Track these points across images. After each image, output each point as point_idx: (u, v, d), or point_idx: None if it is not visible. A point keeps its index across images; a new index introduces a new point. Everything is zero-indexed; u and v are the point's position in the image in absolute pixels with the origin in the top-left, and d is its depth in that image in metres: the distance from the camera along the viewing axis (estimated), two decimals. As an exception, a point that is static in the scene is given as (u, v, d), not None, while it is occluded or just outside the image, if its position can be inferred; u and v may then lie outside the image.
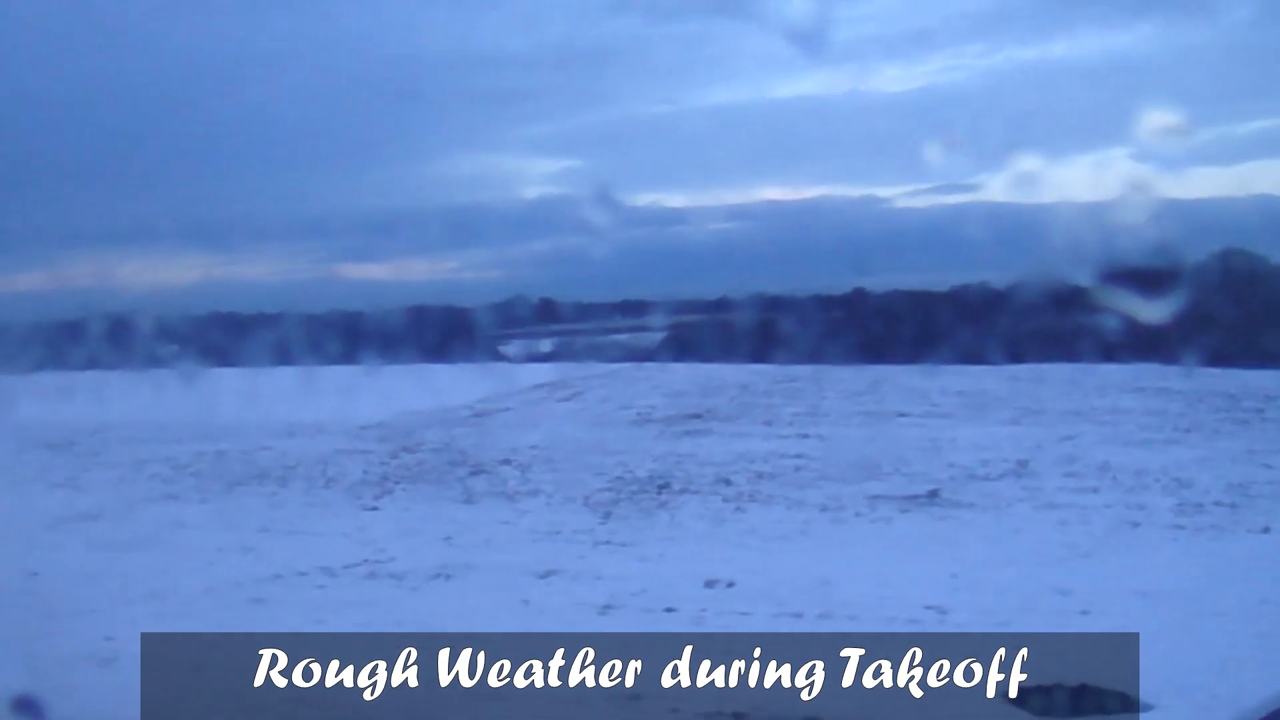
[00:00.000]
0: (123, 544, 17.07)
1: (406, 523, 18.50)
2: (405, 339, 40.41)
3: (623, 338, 70.87)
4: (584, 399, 37.83)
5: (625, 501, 20.12)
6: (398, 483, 22.18)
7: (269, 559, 16.16)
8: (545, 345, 76.41)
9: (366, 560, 15.96)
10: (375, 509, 19.52)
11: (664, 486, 21.57)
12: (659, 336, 67.01)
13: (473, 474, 22.93)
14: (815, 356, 46.44)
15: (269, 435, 28.52)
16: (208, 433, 28.69)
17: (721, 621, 13.18)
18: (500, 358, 71.61)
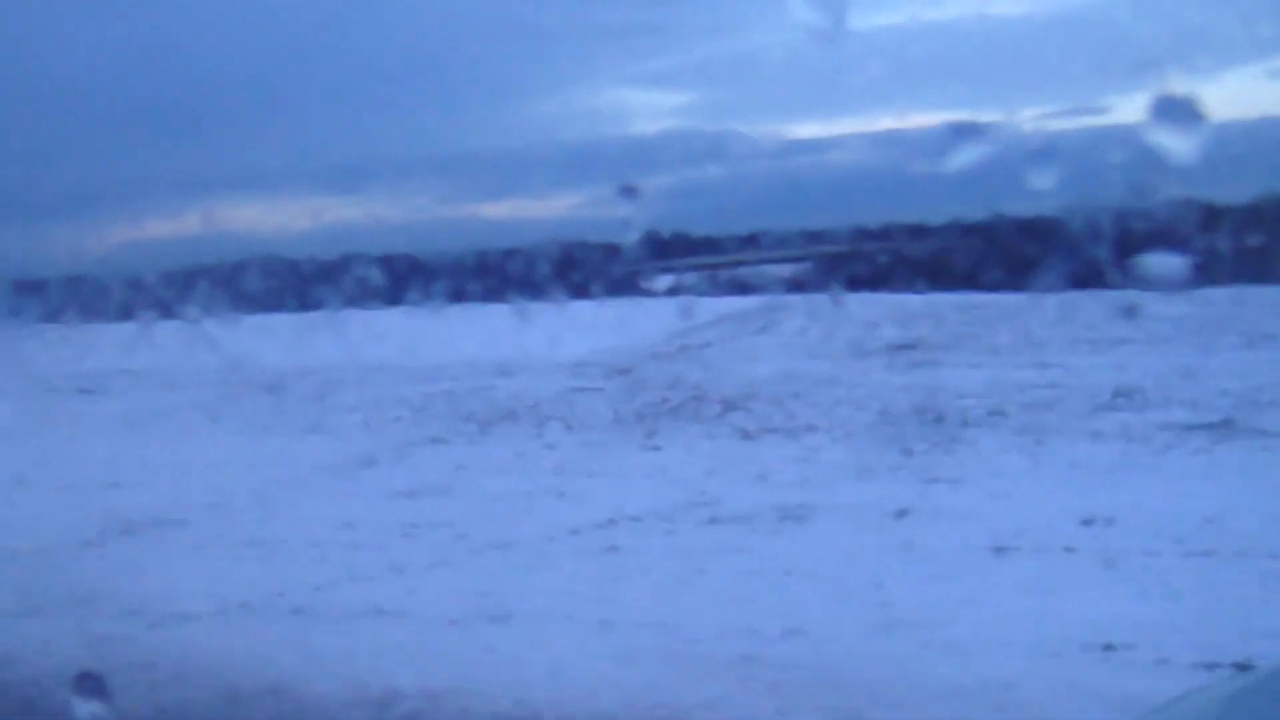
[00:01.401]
0: (419, 491, 16.07)
1: (699, 462, 17.35)
2: (543, 277, 39.18)
3: (767, 269, 69.37)
4: (779, 331, 36.61)
5: (912, 436, 18.61)
6: (657, 420, 20.88)
7: (585, 503, 15.06)
8: (690, 279, 75.00)
9: (692, 503, 14.73)
10: (658, 449, 18.28)
11: (939, 420, 20.13)
12: (805, 268, 65.39)
13: (727, 410, 21.70)
14: (976, 284, 44.94)
15: (482, 375, 27.53)
16: (417, 373, 27.70)
17: (1143, 562, 11.77)
18: (643, 293, 70.25)
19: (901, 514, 14.20)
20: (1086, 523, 13.61)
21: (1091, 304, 38.60)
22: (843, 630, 10.24)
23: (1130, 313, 35.73)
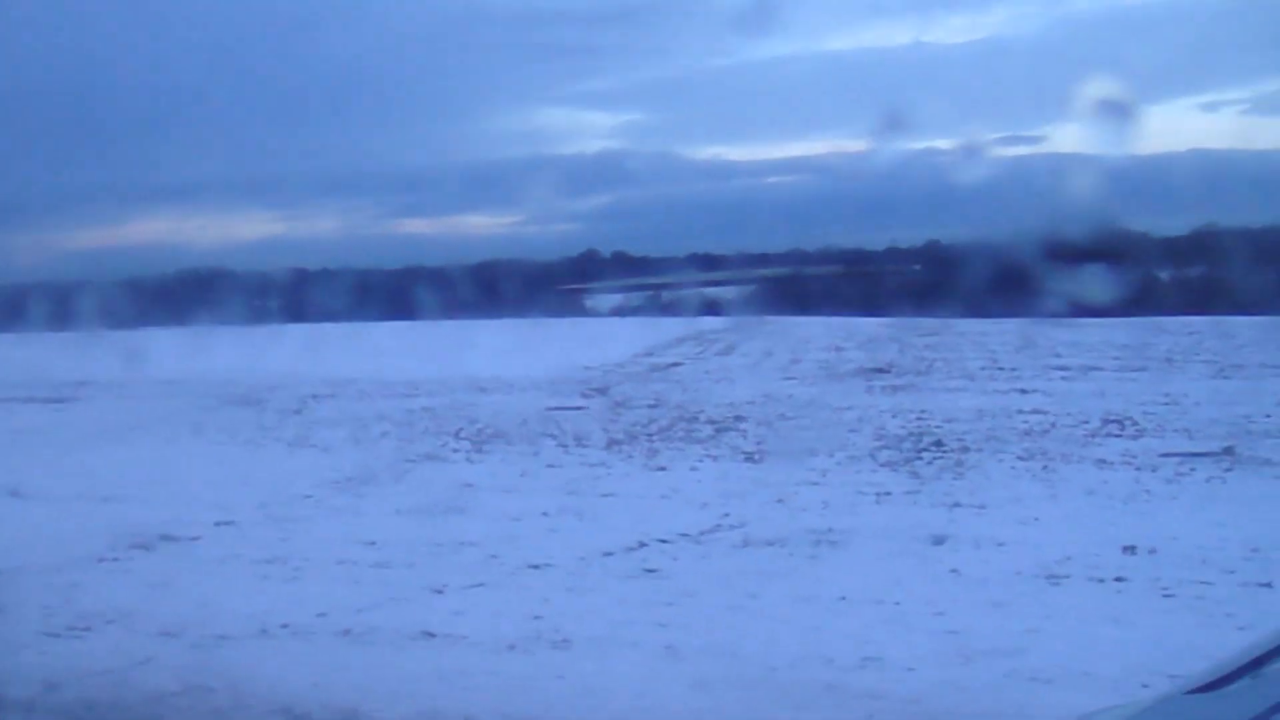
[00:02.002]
0: (431, 509, 15.70)
1: (710, 484, 17.04)
2: (485, 294, 39.03)
3: (710, 291, 69.35)
4: (743, 353, 36.49)
5: (917, 461, 18.54)
6: (651, 440, 20.54)
7: (607, 524, 14.78)
8: (631, 299, 74.94)
9: (717, 525, 14.43)
10: (663, 469, 17.97)
11: (938, 444, 19.99)
12: (748, 290, 65.47)
13: (720, 431, 21.41)
14: (920, 309, 45.13)
15: (457, 391, 27.21)
16: (389, 388, 27.31)
17: (1200, 592, 11.62)
18: (587, 312, 70.19)
19: (938, 540, 13.97)
20: (1129, 551, 13.42)
21: (1045, 330, 38.87)
22: (920, 659, 9.96)
23: (1073, 342, 35.95)
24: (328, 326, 36.65)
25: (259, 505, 15.88)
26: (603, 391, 27.67)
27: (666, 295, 76.43)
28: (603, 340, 39.33)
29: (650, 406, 24.85)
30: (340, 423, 23.40)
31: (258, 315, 37.29)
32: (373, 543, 13.89)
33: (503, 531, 14.42)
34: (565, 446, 20.38)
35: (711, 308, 63.42)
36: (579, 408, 24.99)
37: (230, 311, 33.01)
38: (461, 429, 22.29)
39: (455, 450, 20.10)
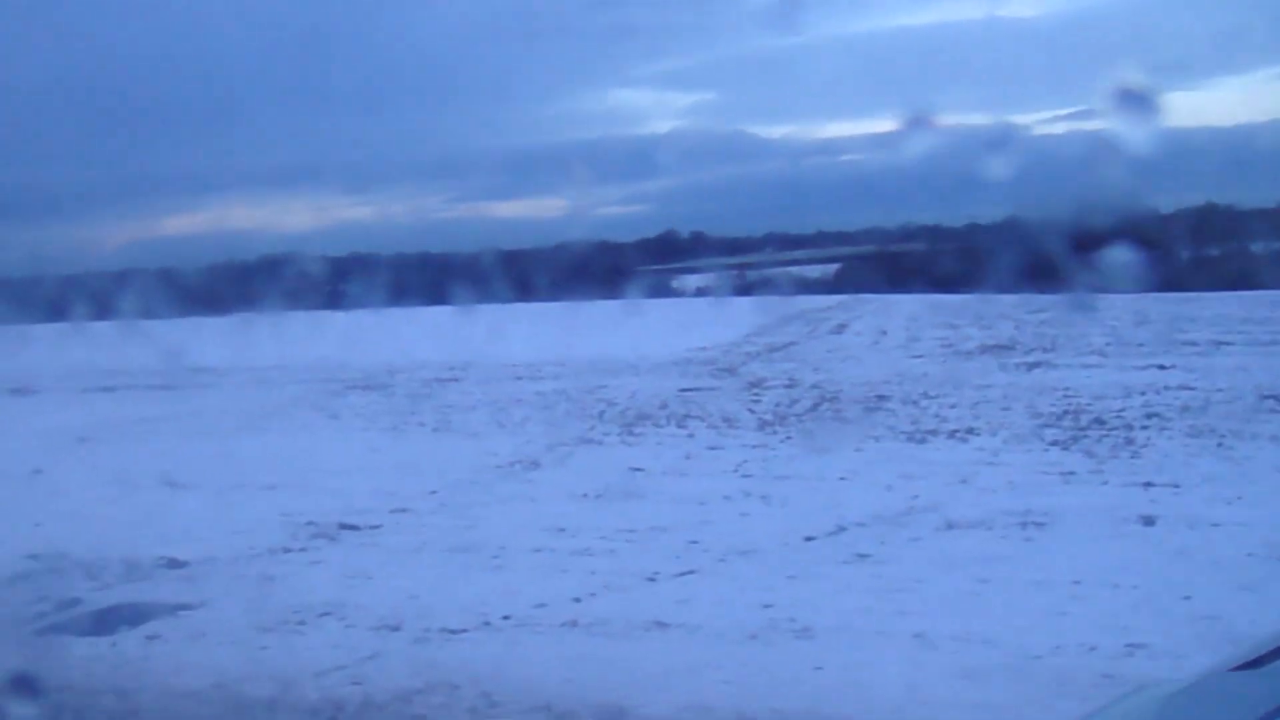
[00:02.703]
0: (606, 494, 15.47)
1: (882, 465, 16.45)
2: (560, 277, 38.48)
3: (792, 270, 68.69)
4: (856, 332, 35.85)
5: (1084, 439, 17.83)
6: (800, 421, 19.97)
7: (795, 508, 14.25)
8: (716, 280, 74.29)
9: (911, 508, 13.84)
10: (828, 450, 17.35)
11: (1099, 422, 19.28)
12: (834, 268, 64.76)
13: (868, 412, 20.73)
14: (1009, 285, 44.10)
15: (582, 374, 26.69)
16: (511, 371, 26.87)
17: None
18: (670, 293, 69.63)
19: (1148, 521, 13.32)
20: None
21: (1153, 306, 37.97)
22: (1188, 646, 9.30)
23: (1199, 315, 35.07)
24: (413, 311, 36.28)
25: (428, 492, 15.41)
26: (731, 372, 27.12)
27: (751, 275, 75.76)
28: (704, 321, 38.71)
29: (786, 387, 24.24)
30: (475, 407, 22.96)
31: (340, 300, 37.01)
32: (562, 529, 13.39)
33: (691, 516, 13.89)
34: (716, 428, 19.83)
35: (800, 287, 62.72)
36: (712, 389, 24.43)
37: (313, 297, 32.69)
38: (603, 412, 21.79)
39: (606, 434, 19.56)
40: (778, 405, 21.93)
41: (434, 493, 15.40)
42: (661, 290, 73.88)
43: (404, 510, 14.51)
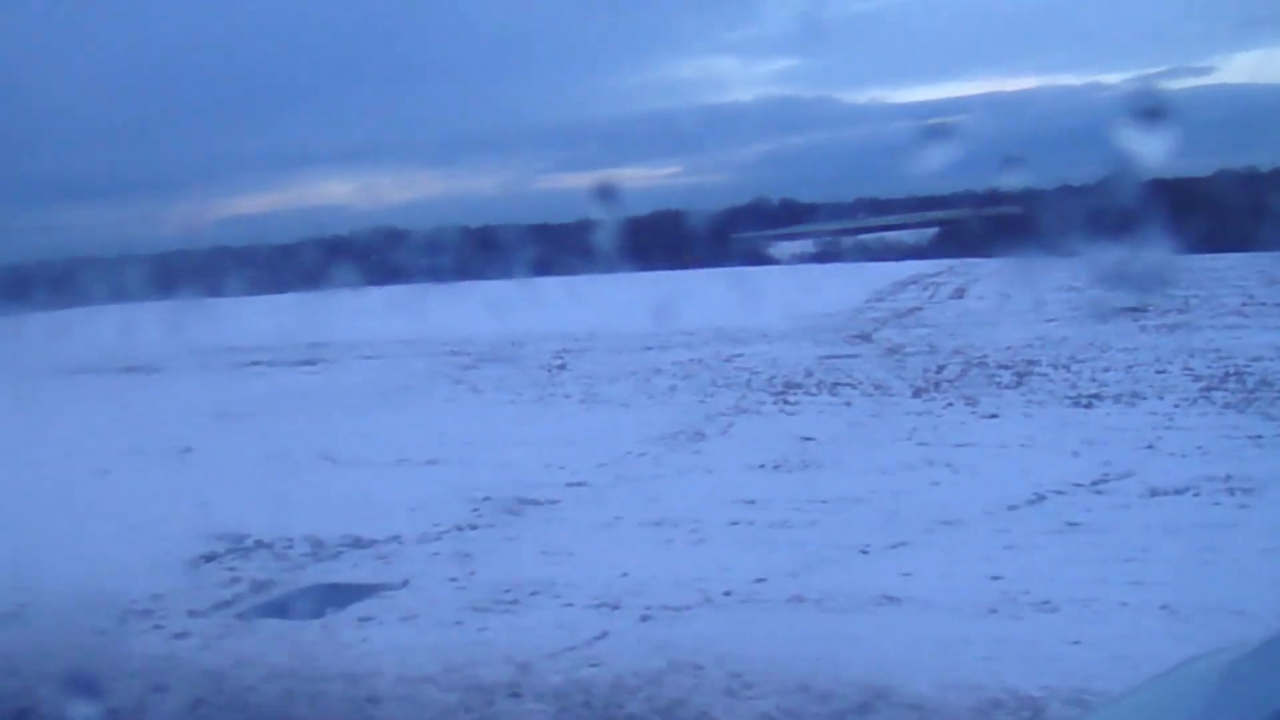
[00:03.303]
0: (782, 465, 14.93)
1: (1059, 430, 15.98)
2: (653, 246, 38.02)
3: (890, 236, 67.92)
4: (978, 295, 35.25)
5: (1256, 401, 17.35)
6: (954, 387, 19.41)
7: (984, 476, 13.85)
8: (811, 246, 73.64)
9: (1106, 474, 13.24)
10: (996, 416, 16.76)
11: (1265, 383, 18.66)
12: (930, 233, 63.87)
13: (1021, 377, 20.21)
14: (1109, 247, 43.06)
15: (714, 342, 26.19)
16: (639, 341, 26.44)
17: None
18: (765, 260, 69.01)
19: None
20: None
21: (1272, 265, 36.97)
22: None
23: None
24: (511, 283, 35.87)
25: (597, 465, 15.02)
26: (866, 338, 26.62)
27: (847, 241, 75.07)
28: (814, 287, 38.15)
29: (927, 353, 23.72)
30: (616, 378, 22.54)
31: (435, 274, 36.70)
32: (751, 501, 12.95)
33: (880, 486, 13.42)
34: (871, 396, 19.37)
35: (898, 252, 61.89)
36: (853, 355, 23.93)
37: (405, 272, 32.42)
38: (749, 380, 21.37)
39: (761, 403, 19.13)
40: (925, 371, 21.38)
41: (604, 465, 14.98)
42: (757, 257, 73.29)
43: (580, 484, 14.10)
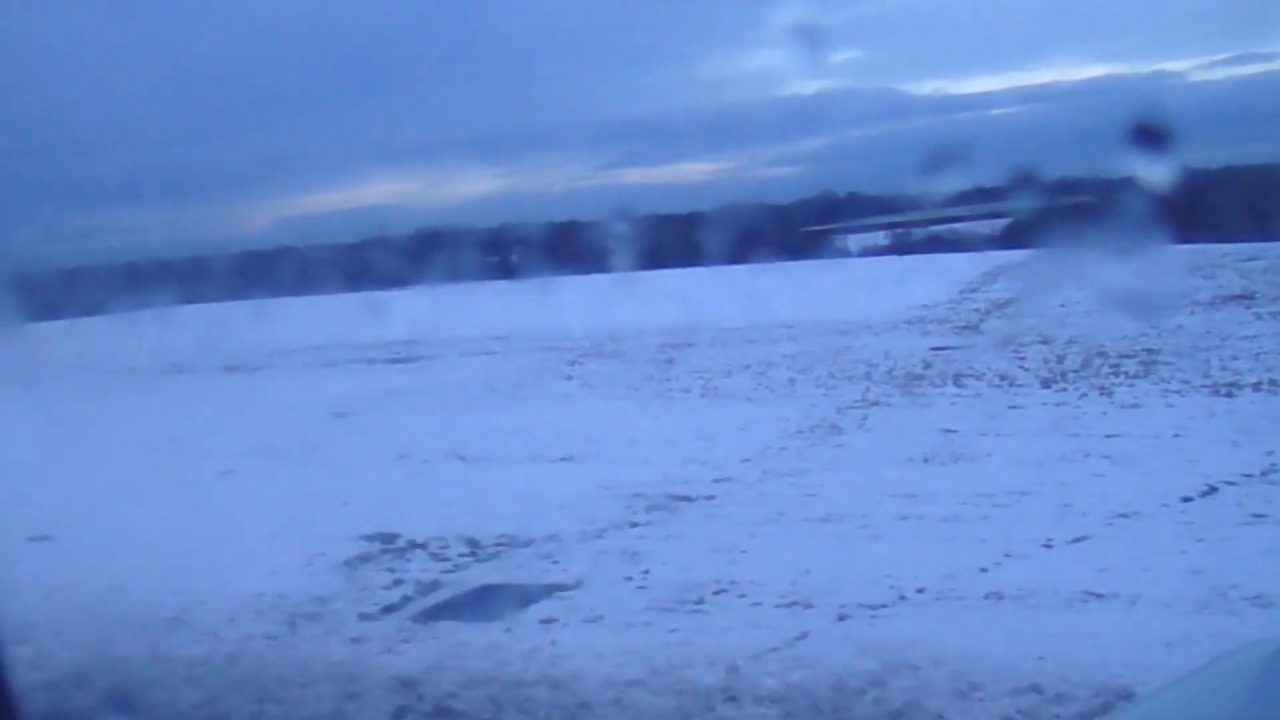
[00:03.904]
0: (932, 458, 14.53)
1: (1206, 420, 15.59)
2: (731, 239, 37.55)
3: (963, 226, 67.28)
4: (1069, 285, 34.32)
5: None
6: (1080, 376, 18.99)
7: (1146, 467, 13.50)
8: (883, 238, 73.03)
9: (1276, 467, 12.68)
10: (1137, 406, 16.31)
11: None
12: (1004, 224, 63.18)
13: (1148, 367, 19.74)
14: (1188, 236, 42.52)
15: (819, 335, 25.74)
16: (737, 335, 26.07)
17: None
18: (838, 253, 68.42)
19: None
20: None
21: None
22: None
23: None
24: (584, 278, 35.53)
25: (741, 460, 14.66)
26: (974, 329, 26.14)
27: (918, 233, 74.41)
28: (901, 279, 37.64)
29: (1043, 343, 23.22)
30: (730, 372, 22.25)
31: (506, 270, 36.46)
32: (913, 495, 12.56)
33: (1042, 479, 13.03)
34: (999, 387, 18.95)
35: (972, 243, 61.15)
36: (965, 346, 23.47)
37: (474, 268, 32.15)
38: (869, 372, 21.00)
39: (888, 395, 18.76)
40: (1046, 361, 20.91)
41: (747, 461, 14.61)
42: (829, 250, 72.66)
43: (727, 479, 13.73)
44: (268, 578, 11.38)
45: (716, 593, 9.97)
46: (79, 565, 12.14)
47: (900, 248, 69.90)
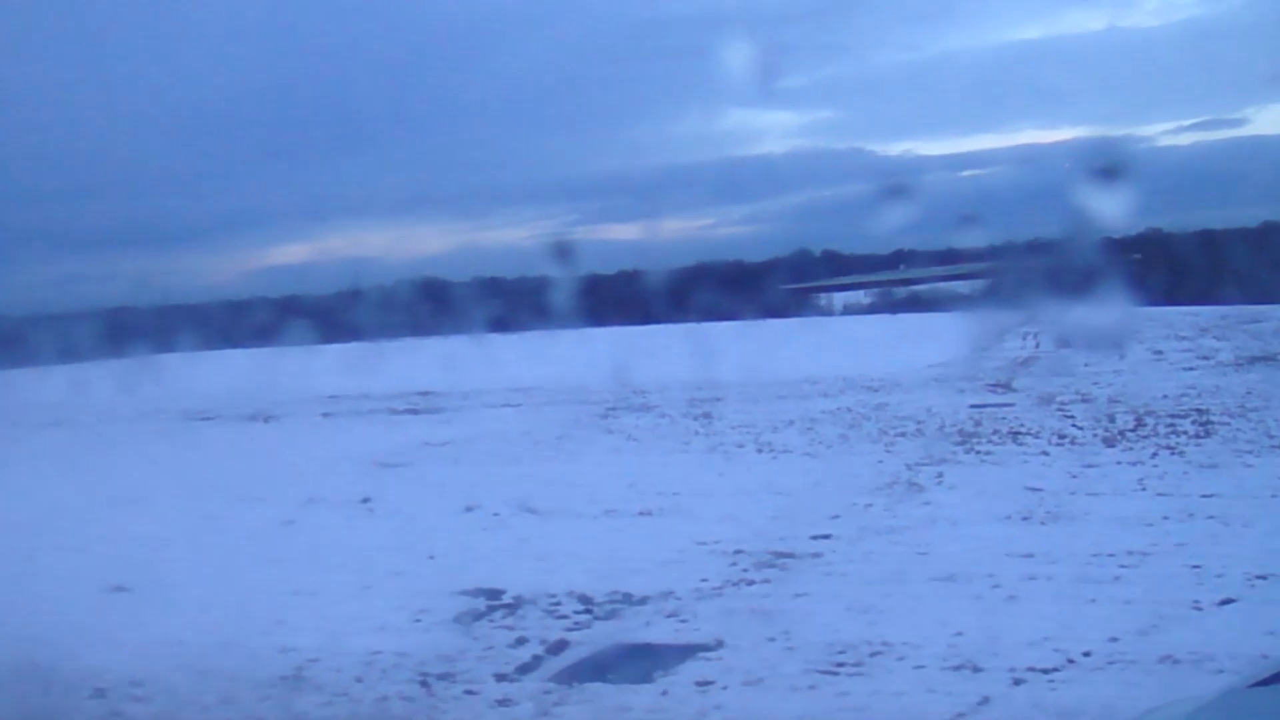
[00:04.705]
0: (1030, 516, 14.15)
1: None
2: (701, 297, 37.37)
3: (942, 286, 67.51)
4: (1082, 345, 34.27)
5: None
6: (1140, 436, 18.71)
7: (1268, 527, 12.75)
8: (862, 297, 73.05)
9: None
10: (1214, 465, 16.02)
11: None
12: (979, 284, 63.40)
13: (1206, 429, 19.52)
14: (1166, 296, 42.64)
15: (849, 391, 25.44)
16: (770, 390, 25.81)
17: None
18: (820, 311, 68.32)
19: None
20: None
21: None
22: None
23: None
24: (575, 332, 35.08)
25: (830, 517, 14.35)
26: (1007, 387, 25.79)
27: (899, 292, 74.52)
28: (903, 337, 37.58)
29: (1082, 401, 22.98)
30: (775, 427, 22.00)
31: (493, 324, 36.06)
32: (1029, 555, 12.28)
33: (1155, 539, 12.79)
34: (1061, 445, 18.80)
35: (953, 302, 61.15)
36: (1007, 404, 23.18)
37: (456, 321, 31.77)
38: (919, 428, 20.77)
39: (951, 452, 18.39)
40: (1099, 420, 20.66)
41: (836, 518, 14.25)
42: (810, 308, 72.66)
43: (825, 536, 13.36)
44: (378, 634, 10.92)
45: (872, 654, 9.57)
46: (164, 618, 11.65)
47: (882, 306, 69.90)
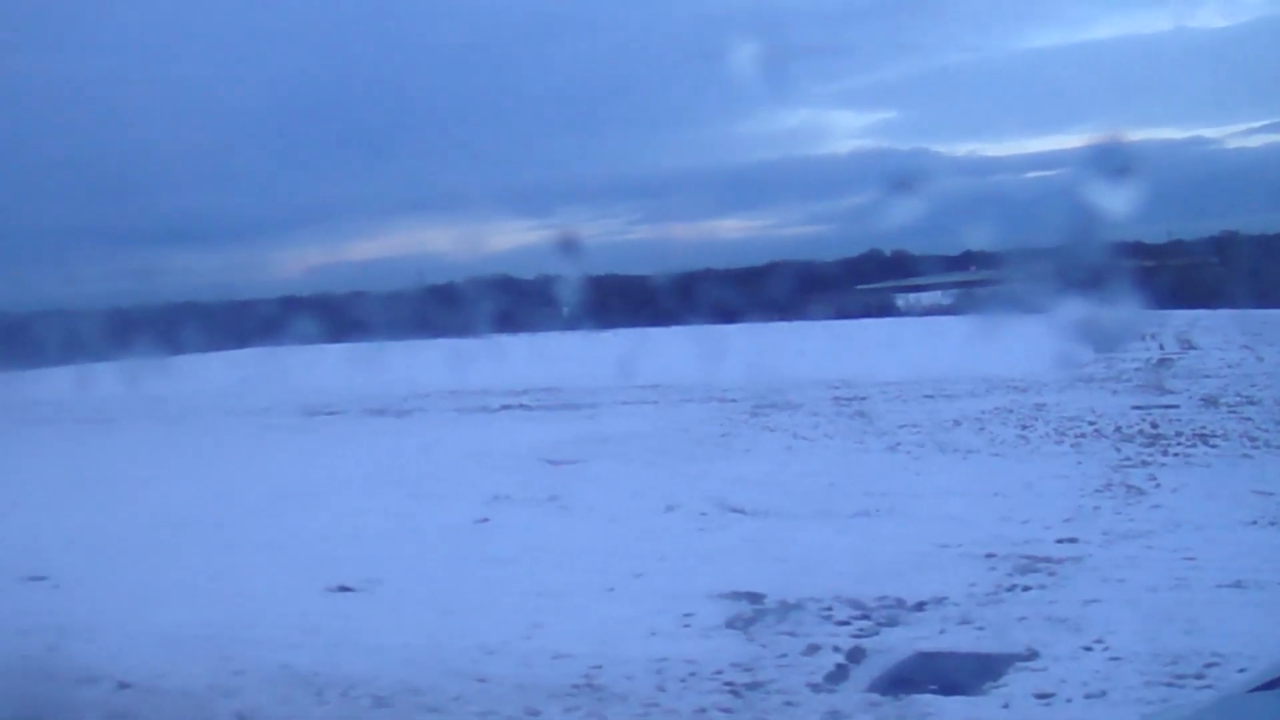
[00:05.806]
0: (1270, 522, 13.06)
1: None
2: (781, 295, 36.79)
3: (1015, 286, 66.60)
4: (1211, 345, 33.74)
5: None
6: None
7: None
8: (942, 298, 72.27)
9: None
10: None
11: None
12: (1052, 284, 62.65)
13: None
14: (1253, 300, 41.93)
15: (994, 392, 24.95)
16: (909, 389, 25.29)
17: None
18: (897, 312, 67.65)
19: None
20: None
21: None
22: None
23: None
24: (653, 330, 34.58)
25: (1063, 520, 13.90)
26: (1158, 388, 25.23)
27: (980, 292, 73.56)
28: (1010, 337, 36.66)
29: (1249, 403, 22.47)
30: (943, 426, 21.59)
31: (562, 321, 35.61)
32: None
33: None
34: (1259, 448, 18.39)
35: (1030, 303, 60.29)
36: (1172, 406, 22.61)
37: (528, 317, 31.36)
38: (1096, 429, 20.36)
39: (1150, 455, 17.98)
40: (1256, 425, 19.99)
41: (1069, 520, 13.79)
42: (886, 308, 71.97)
43: (1072, 540, 12.90)
44: (651, 639, 10.48)
45: (1208, 665, 8.99)
46: (402, 619, 11.24)
47: (963, 307, 69.10)
